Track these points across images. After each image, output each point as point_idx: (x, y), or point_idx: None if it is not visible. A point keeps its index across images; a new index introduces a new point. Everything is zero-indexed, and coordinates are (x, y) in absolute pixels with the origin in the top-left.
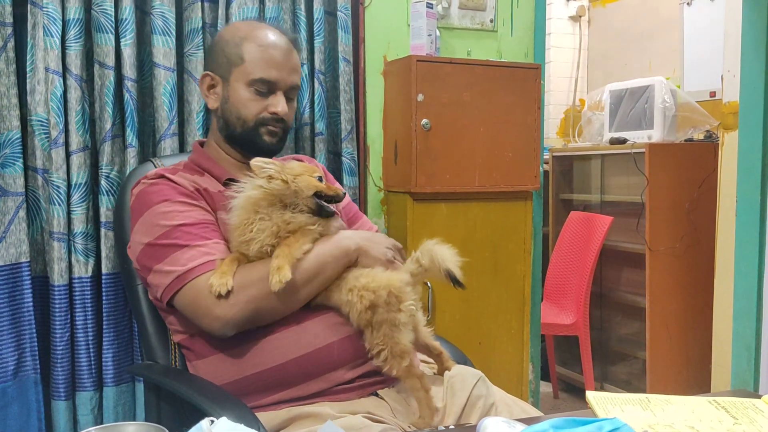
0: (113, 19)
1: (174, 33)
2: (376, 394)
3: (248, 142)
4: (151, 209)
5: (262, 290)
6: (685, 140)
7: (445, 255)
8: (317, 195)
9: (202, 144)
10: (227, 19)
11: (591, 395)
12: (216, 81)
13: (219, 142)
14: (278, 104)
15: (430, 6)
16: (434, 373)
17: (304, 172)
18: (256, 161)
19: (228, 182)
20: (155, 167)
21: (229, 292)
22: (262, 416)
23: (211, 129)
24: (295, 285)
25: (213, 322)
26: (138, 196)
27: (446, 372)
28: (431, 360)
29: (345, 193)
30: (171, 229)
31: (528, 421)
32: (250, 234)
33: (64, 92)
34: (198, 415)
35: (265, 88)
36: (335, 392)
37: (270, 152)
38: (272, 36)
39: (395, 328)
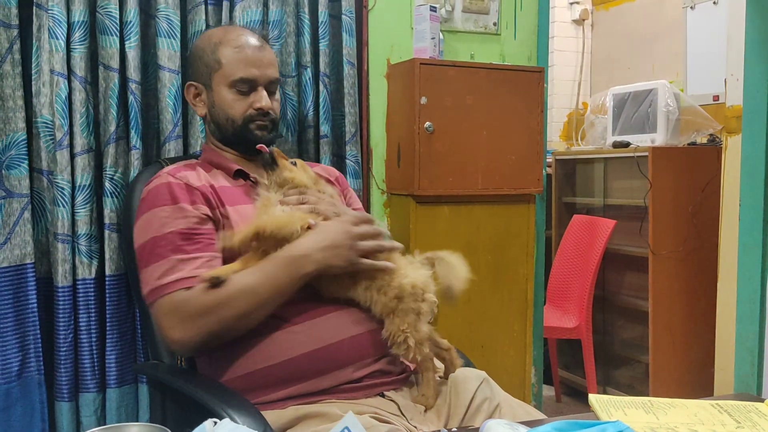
0: (118, 22)
1: (179, 36)
2: (382, 395)
3: (242, 140)
4: (152, 210)
5: (218, 317)
6: (689, 144)
7: (459, 270)
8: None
9: None
10: (231, 21)
11: (594, 398)
12: (200, 89)
13: (216, 146)
14: (261, 99)
15: (433, 9)
16: (440, 377)
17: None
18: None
19: (238, 174)
20: (162, 167)
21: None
22: (269, 415)
23: (207, 136)
24: (247, 306)
25: (170, 344)
26: (149, 193)
27: (450, 374)
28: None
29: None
30: (165, 234)
31: (531, 423)
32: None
33: (69, 94)
34: (203, 414)
35: (246, 86)
36: (342, 390)
37: (265, 144)
38: (244, 36)
39: (418, 318)
